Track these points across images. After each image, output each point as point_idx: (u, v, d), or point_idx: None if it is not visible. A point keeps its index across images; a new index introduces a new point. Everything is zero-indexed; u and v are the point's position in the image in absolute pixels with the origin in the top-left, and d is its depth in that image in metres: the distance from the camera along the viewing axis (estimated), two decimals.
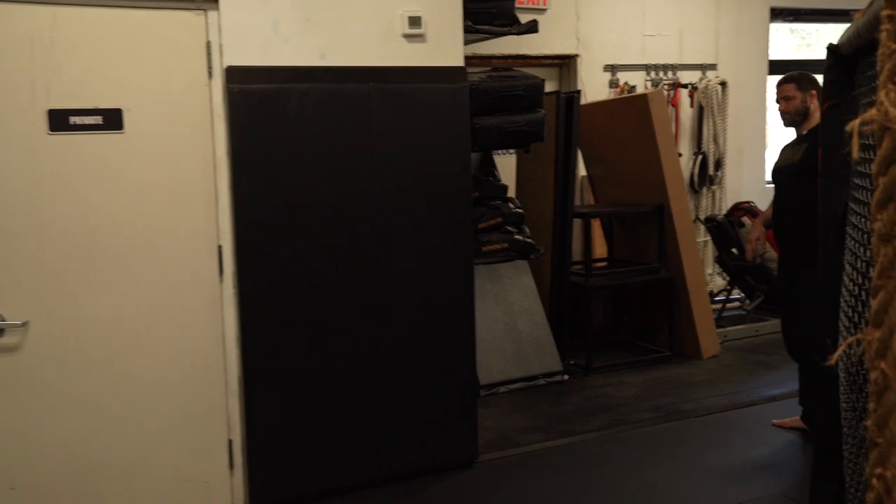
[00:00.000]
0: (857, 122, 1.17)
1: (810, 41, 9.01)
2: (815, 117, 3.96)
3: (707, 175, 7.31)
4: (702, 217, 7.15)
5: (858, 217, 2.59)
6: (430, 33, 3.78)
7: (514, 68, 4.55)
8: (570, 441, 4.33)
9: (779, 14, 8.02)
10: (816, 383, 3.75)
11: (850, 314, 2.66)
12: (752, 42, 7.84)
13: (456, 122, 3.78)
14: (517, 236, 4.44)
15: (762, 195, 7.48)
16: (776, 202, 4.23)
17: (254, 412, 3.56)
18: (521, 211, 4.48)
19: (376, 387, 3.75)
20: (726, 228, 6.30)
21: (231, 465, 3.57)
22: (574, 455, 4.16)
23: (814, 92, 4.01)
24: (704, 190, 7.33)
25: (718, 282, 7.26)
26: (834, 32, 8.96)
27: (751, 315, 6.39)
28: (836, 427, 2.91)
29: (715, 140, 7.37)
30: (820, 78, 5.13)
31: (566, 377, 5.30)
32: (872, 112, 1.09)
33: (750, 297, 6.56)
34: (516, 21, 4.53)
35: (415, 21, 3.68)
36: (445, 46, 3.83)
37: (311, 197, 3.57)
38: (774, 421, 4.45)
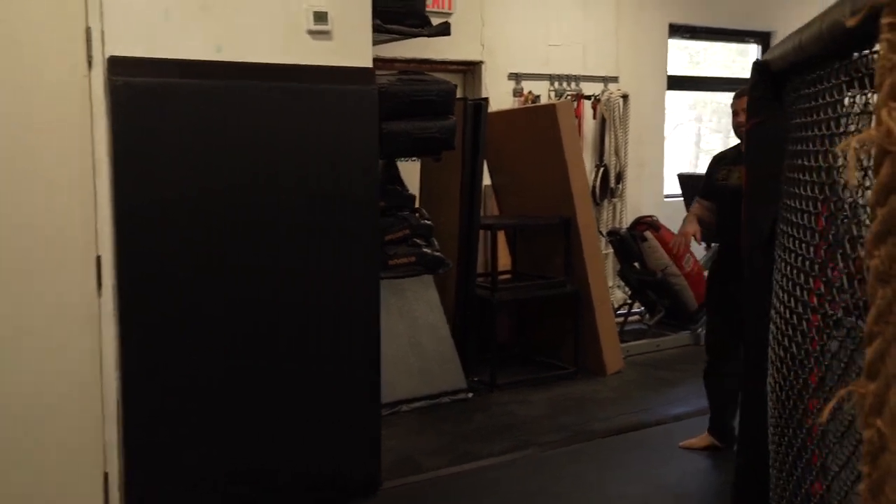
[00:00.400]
0: (852, 141, 1.02)
1: (698, 59, 9.18)
2: None
3: (608, 188, 7.29)
4: (603, 230, 7.12)
5: (792, 240, 2.49)
6: (338, 31, 3.52)
7: (424, 72, 4.34)
8: (475, 466, 4.13)
9: (677, 30, 8.11)
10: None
11: (782, 340, 2.55)
12: (651, 56, 7.89)
13: (364, 127, 3.52)
14: (426, 249, 4.22)
15: (662, 209, 7.53)
16: (725, 222, 4.06)
17: (133, 441, 3.20)
18: (429, 223, 4.26)
19: (272, 409, 3.45)
20: (629, 242, 6.27)
21: (106, 502, 3.20)
22: (479, 481, 3.97)
23: None
24: (605, 203, 7.30)
25: (618, 295, 7.24)
26: (720, 52, 9.16)
27: (652, 330, 6.38)
28: (761, 450, 2.79)
29: (616, 153, 7.36)
30: None
31: (470, 395, 5.11)
32: (871, 133, 0.93)
33: (651, 311, 6.55)
34: (428, 22, 4.32)
35: (321, 17, 3.41)
36: (353, 45, 3.57)
37: (204, 206, 3.24)
38: (681, 444, 4.39)
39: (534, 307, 5.82)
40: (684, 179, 7.26)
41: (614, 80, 7.61)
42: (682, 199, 8.01)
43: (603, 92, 7.45)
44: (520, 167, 5.78)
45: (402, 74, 4.19)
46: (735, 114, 4.11)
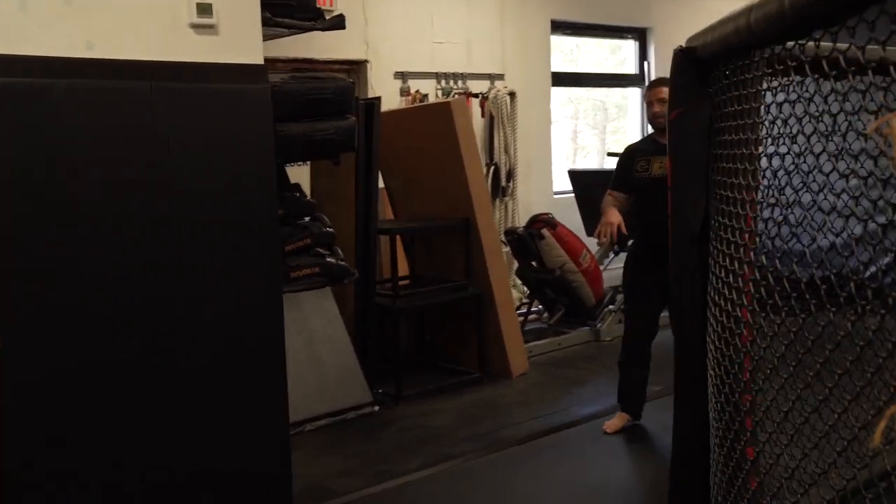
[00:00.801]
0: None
1: (572, 56, 9.24)
2: None
3: (500, 187, 7.19)
4: (497, 230, 7.01)
5: (729, 231, 2.38)
6: (224, 24, 3.21)
7: (318, 70, 4.06)
8: (392, 485, 3.89)
9: (559, 27, 8.11)
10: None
11: (722, 333, 2.43)
12: (535, 53, 7.86)
13: (257, 130, 3.22)
14: (329, 259, 3.93)
15: (552, 207, 7.49)
16: (656, 212, 3.85)
17: (10, 438, 2.79)
18: (331, 230, 3.97)
19: (168, 446, 3.10)
20: (527, 241, 6.17)
21: None
22: (398, 501, 3.74)
23: None
24: (497, 202, 7.19)
25: (515, 295, 7.15)
26: (594, 49, 9.26)
27: (552, 328, 6.31)
28: (699, 442, 2.66)
29: (506, 151, 7.27)
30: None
31: (376, 408, 4.86)
32: None
33: (550, 310, 6.48)
34: (321, 15, 4.05)
35: (204, 9, 3.10)
36: (241, 40, 3.27)
37: (79, 221, 2.87)
38: (605, 426, 4.42)
39: (436, 312, 5.63)
40: (575, 176, 7.25)
41: (500, 77, 7.53)
42: (572, 195, 8.02)
43: (490, 90, 7.35)
44: (414, 169, 5.58)
45: (294, 72, 3.90)
46: (650, 104, 4.16)
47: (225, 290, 3.16)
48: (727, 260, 2.43)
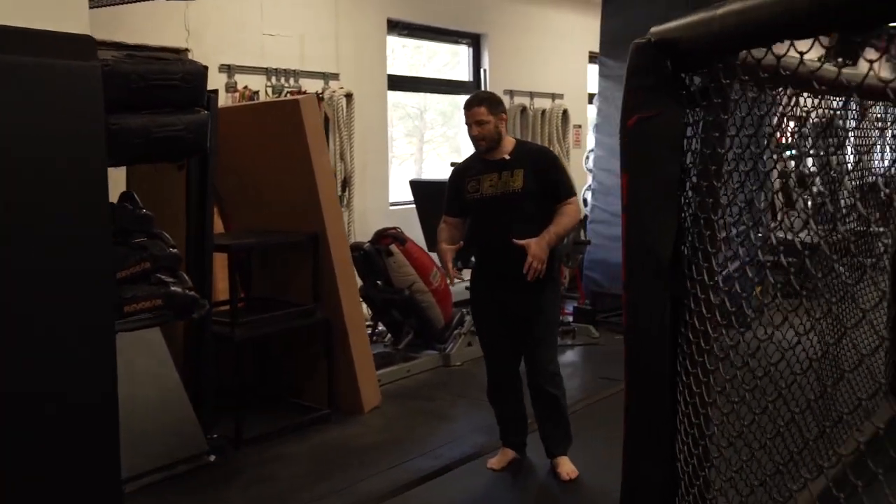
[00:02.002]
0: None
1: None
2: (508, 140, 3.84)
3: (336, 195, 6.55)
4: None
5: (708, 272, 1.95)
6: None
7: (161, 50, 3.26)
8: None
9: (395, 26, 7.61)
10: (553, 415, 3.89)
11: (695, 387, 1.98)
12: (371, 53, 7.30)
13: (84, 121, 2.45)
14: (174, 288, 3.10)
15: (389, 219, 6.96)
16: (493, 234, 3.78)
17: None
18: (176, 251, 3.15)
19: None
20: (373, 258, 5.59)
21: None
22: None
23: (504, 116, 3.87)
24: None
25: None
26: (434, 51, 8.87)
27: (400, 354, 5.76)
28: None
29: (342, 157, 6.66)
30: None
31: (212, 457, 4.09)
32: None
33: (395, 333, 5.94)
34: None
35: None
36: (63, 1, 2.47)
37: None
38: (489, 464, 4.03)
39: (279, 340, 4.91)
40: (417, 186, 6.76)
41: (335, 77, 6.91)
42: (409, 206, 7.53)
43: (324, 90, 6.71)
44: (251, 174, 4.83)
45: (132, 50, 3.09)
46: (468, 126, 3.83)
47: (40, 333, 2.35)
48: (705, 292, 2.02)
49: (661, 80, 2.04)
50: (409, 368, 5.66)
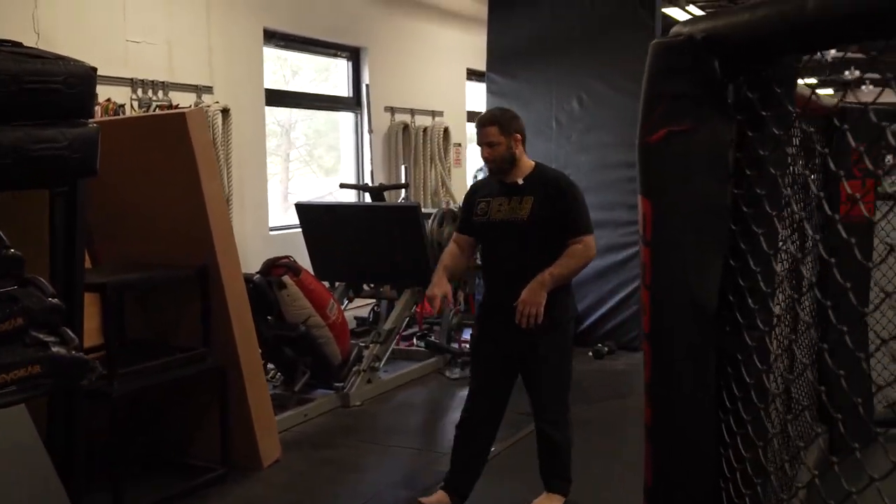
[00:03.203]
0: None
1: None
2: (524, 163, 3.55)
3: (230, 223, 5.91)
4: None
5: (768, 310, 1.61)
6: None
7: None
8: None
9: (272, 37, 7.04)
10: (550, 459, 3.61)
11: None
12: (247, 65, 6.71)
13: None
14: (57, 349, 2.42)
15: (269, 246, 6.40)
16: (496, 263, 3.60)
17: None
18: (56, 301, 2.46)
19: None
20: (264, 291, 5.00)
21: None
22: None
23: (518, 136, 3.51)
24: None
25: None
26: (298, 66, 8.34)
27: (296, 396, 5.18)
28: None
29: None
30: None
31: None
32: None
33: (286, 373, 5.36)
34: None
35: None
36: None
37: None
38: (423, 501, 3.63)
39: (164, 391, 4.24)
40: (304, 210, 6.21)
41: (209, 90, 6.27)
42: (290, 231, 6.99)
43: (197, 104, 6.06)
44: (127, 199, 4.16)
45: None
46: (480, 146, 3.57)
47: None
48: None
49: (705, 86, 1.67)
50: (307, 412, 5.09)
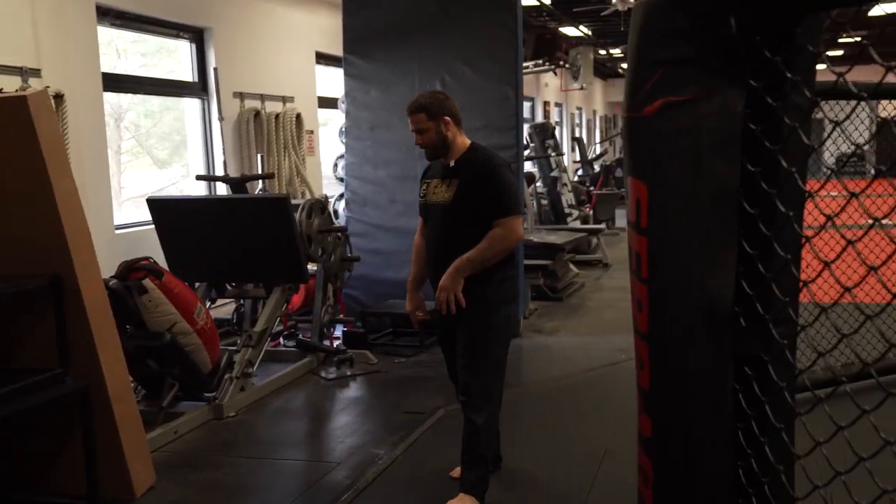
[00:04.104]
0: None
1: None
2: (458, 144, 3.52)
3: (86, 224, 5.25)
4: None
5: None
6: None
7: None
8: None
9: (106, 14, 6.36)
10: (467, 447, 3.48)
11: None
12: (80, 46, 6.01)
13: None
14: None
15: (115, 246, 5.81)
16: (428, 245, 3.61)
17: None
18: None
19: None
20: (122, 297, 4.46)
21: None
22: None
23: (447, 119, 3.46)
24: None
25: None
26: (123, 49, 7.65)
27: (164, 412, 4.67)
28: None
29: None
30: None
31: None
32: None
33: (150, 387, 4.83)
34: None
35: None
36: None
37: None
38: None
39: (15, 420, 3.65)
40: (157, 205, 5.64)
41: (36, 73, 5.56)
42: (138, 228, 6.41)
43: (23, 88, 5.35)
44: None
45: None
46: (416, 133, 3.53)
47: None
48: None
49: (714, 49, 1.47)
50: (177, 429, 4.60)
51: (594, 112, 27.29)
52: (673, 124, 1.54)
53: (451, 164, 3.48)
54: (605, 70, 24.65)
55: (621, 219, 14.59)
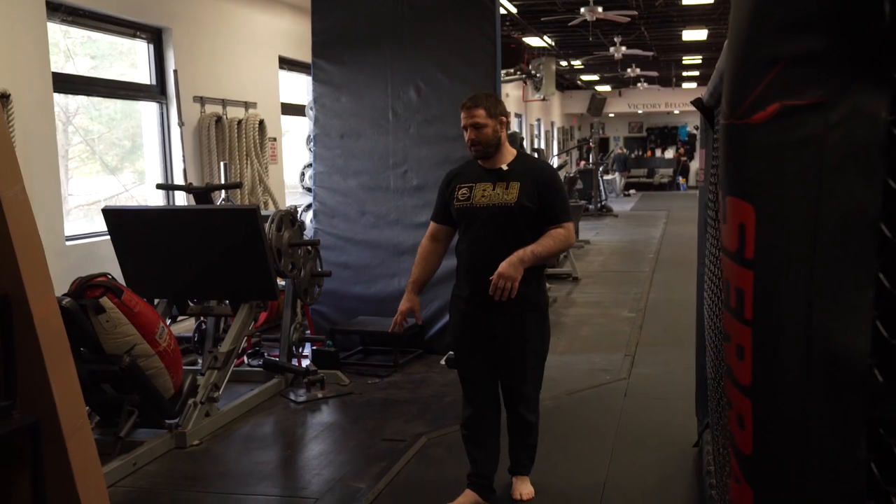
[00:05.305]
0: None
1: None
2: (508, 149, 3.51)
3: (38, 238, 4.81)
4: None
5: None
6: None
7: None
8: None
9: (56, 10, 5.93)
10: (525, 440, 3.67)
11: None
12: (28, 43, 5.58)
13: None
14: None
15: (64, 259, 5.40)
16: (478, 248, 3.46)
17: None
18: None
19: None
20: (77, 317, 4.06)
21: None
22: None
23: (504, 119, 3.48)
24: None
25: None
26: (73, 51, 7.21)
27: (122, 442, 4.26)
28: None
29: None
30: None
31: None
32: None
33: (110, 415, 4.42)
34: None
35: None
36: None
37: None
38: None
39: None
40: (114, 216, 5.23)
41: None
42: (90, 240, 5.98)
43: None
44: None
45: None
46: (464, 129, 3.50)
47: None
48: None
49: (853, 41, 1.19)
50: (136, 460, 4.21)
51: (552, 124, 27.24)
52: (792, 133, 1.26)
53: (504, 167, 3.45)
54: (563, 82, 24.60)
55: (585, 231, 14.43)
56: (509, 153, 3.51)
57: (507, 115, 3.56)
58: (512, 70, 13.34)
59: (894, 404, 1.23)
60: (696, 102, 3.87)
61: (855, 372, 1.23)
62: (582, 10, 11.66)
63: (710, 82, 3.16)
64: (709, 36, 15.94)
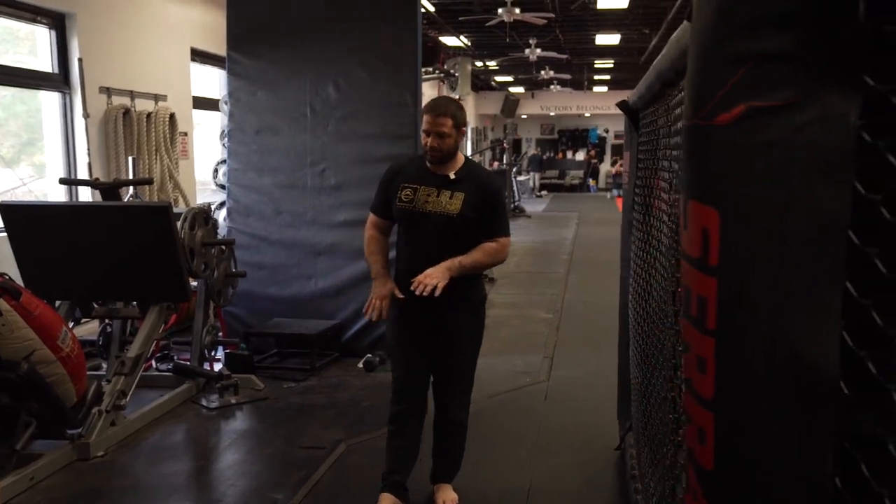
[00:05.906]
0: None
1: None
2: (458, 155, 3.50)
3: None
4: None
5: None
6: None
7: None
8: None
9: None
10: (453, 445, 3.71)
11: None
12: None
13: None
14: None
15: None
16: (416, 251, 3.45)
17: None
18: None
19: None
20: None
21: None
22: None
23: (464, 130, 3.49)
24: None
25: None
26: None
27: (19, 455, 3.98)
28: None
29: None
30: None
31: None
32: None
33: (5, 426, 4.11)
34: None
35: None
36: None
37: None
38: None
39: None
40: (10, 211, 4.90)
41: None
42: (2, 236, 5.62)
43: None
44: None
45: None
46: (425, 133, 3.40)
47: None
48: None
49: (824, 41, 1.14)
50: (34, 474, 3.94)
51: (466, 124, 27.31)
52: (759, 136, 1.19)
53: (451, 175, 3.43)
54: (478, 82, 24.70)
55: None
56: (458, 160, 3.50)
57: (466, 124, 3.57)
58: (430, 69, 13.25)
59: (862, 417, 1.19)
60: (622, 105, 3.85)
61: (823, 383, 1.18)
62: (499, 10, 11.67)
63: (641, 84, 3.13)
64: (621, 41, 16.24)
